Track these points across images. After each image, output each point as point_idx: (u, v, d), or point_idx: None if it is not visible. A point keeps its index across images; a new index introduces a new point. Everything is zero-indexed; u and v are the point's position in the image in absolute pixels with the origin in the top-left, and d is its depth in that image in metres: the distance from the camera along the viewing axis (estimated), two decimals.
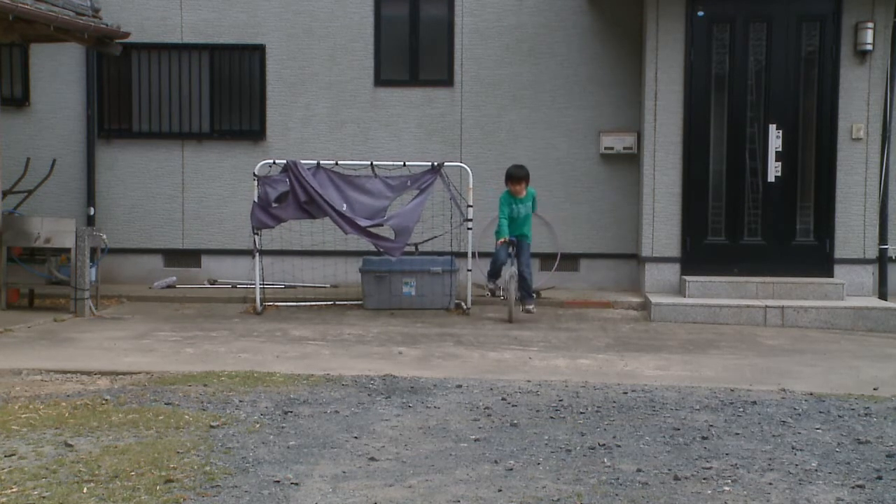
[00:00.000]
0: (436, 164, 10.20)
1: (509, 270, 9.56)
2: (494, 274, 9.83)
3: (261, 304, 10.04)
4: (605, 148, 11.32)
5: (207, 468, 4.51)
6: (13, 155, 11.08)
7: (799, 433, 5.32)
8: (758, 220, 10.48)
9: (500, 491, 4.27)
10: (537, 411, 5.76)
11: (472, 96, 11.57)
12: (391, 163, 10.46)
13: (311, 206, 9.90)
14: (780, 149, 10.42)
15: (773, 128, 10.42)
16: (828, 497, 4.24)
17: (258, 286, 10.03)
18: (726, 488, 4.35)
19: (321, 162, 10.07)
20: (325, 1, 11.63)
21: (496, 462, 4.71)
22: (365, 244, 10.31)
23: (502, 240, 9.64)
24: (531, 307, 9.59)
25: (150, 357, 7.58)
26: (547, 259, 11.50)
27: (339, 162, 10.35)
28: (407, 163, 10.33)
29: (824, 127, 10.41)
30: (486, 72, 11.55)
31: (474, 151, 11.51)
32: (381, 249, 10.06)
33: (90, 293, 9.66)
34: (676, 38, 10.46)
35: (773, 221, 10.47)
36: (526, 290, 9.60)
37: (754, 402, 6.05)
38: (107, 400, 5.89)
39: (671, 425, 5.46)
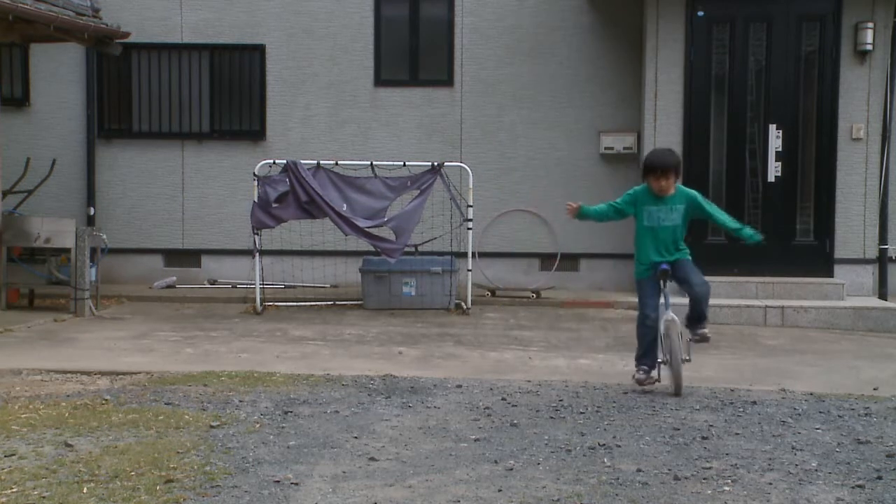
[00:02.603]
0: (436, 164, 10.20)
1: (665, 319, 6.35)
2: (647, 352, 6.44)
3: (261, 304, 10.03)
4: (605, 148, 11.32)
5: (207, 468, 4.51)
6: (13, 155, 11.07)
7: (799, 433, 5.32)
8: (758, 220, 10.47)
9: (500, 491, 4.27)
10: (537, 411, 5.76)
11: (472, 96, 11.57)
12: (391, 163, 10.45)
13: (311, 207, 9.90)
14: (780, 149, 10.42)
15: (773, 128, 10.42)
16: (828, 497, 4.24)
17: (258, 286, 10.03)
18: (726, 488, 4.35)
19: (321, 162, 10.07)
20: (325, 1, 11.63)
21: (496, 462, 4.71)
22: (365, 244, 10.31)
23: (652, 276, 6.38)
24: (705, 331, 6.48)
25: (150, 357, 7.58)
26: (547, 259, 11.52)
27: (339, 162, 10.35)
28: (407, 163, 10.33)
29: (824, 127, 10.42)
30: (486, 72, 11.55)
31: (474, 151, 11.51)
32: (380, 251, 10.06)
33: (90, 293, 9.66)
34: (676, 38, 10.46)
35: (773, 221, 10.46)
36: (701, 312, 6.48)
37: (754, 402, 6.05)
38: (107, 400, 5.88)
39: (671, 425, 5.46)
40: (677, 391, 6.28)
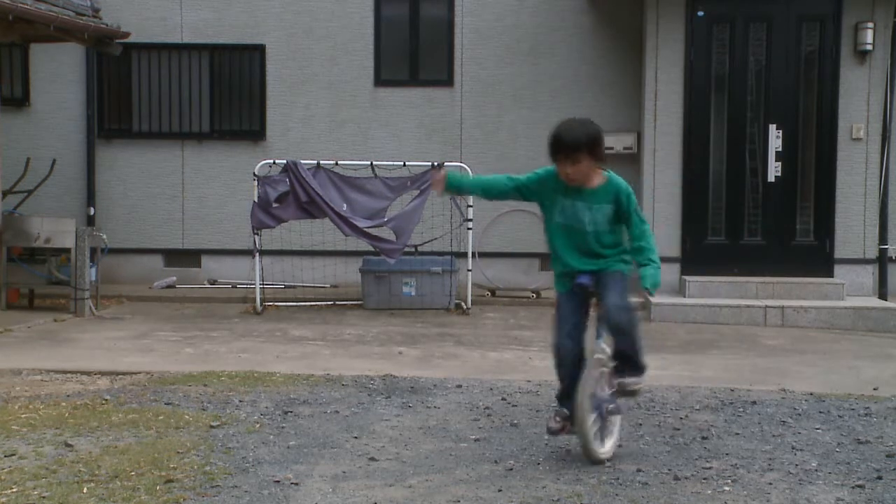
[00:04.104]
0: (436, 164, 10.20)
1: (595, 353, 4.72)
2: (568, 392, 4.73)
3: (261, 304, 10.03)
4: (605, 148, 11.28)
5: (207, 468, 4.51)
6: (13, 155, 11.07)
7: (799, 433, 5.32)
8: (758, 220, 10.47)
9: (500, 491, 4.27)
10: (537, 411, 5.76)
11: (472, 96, 11.57)
12: (391, 163, 10.45)
13: (311, 207, 9.90)
14: (780, 149, 10.42)
15: (773, 128, 10.42)
16: (828, 497, 4.24)
17: (258, 286, 10.02)
18: (726, 488, 4.35)
19: (321, 162, 10.07)
20: (325, 1, 11.63)
21: (496, 462, 4.71)
22: (365, 244, 10.30)
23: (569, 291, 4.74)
24: (628, 381, 4.77)
25: (150, 357, 7.58)
26: (547, 259, 11.50)
27: (339, 162, 10.35)
28: (407, 163, 10.33)
29: (824, 127, 10.41)
30: (486, 72, 11.55)
31: (474, 151, 11.51)
32: (380, 251, 10.06)
33: (90, 293, 9.66)
34: (676, 38, 10.46)
35: (773, 221, 10.46)
36: (627, 355, 4.76)
37: (754, 402, 6.05)
38: (107, 400, 5.89)
39: (671, 425, 5.47)
40: (589, 456, 4.64)
